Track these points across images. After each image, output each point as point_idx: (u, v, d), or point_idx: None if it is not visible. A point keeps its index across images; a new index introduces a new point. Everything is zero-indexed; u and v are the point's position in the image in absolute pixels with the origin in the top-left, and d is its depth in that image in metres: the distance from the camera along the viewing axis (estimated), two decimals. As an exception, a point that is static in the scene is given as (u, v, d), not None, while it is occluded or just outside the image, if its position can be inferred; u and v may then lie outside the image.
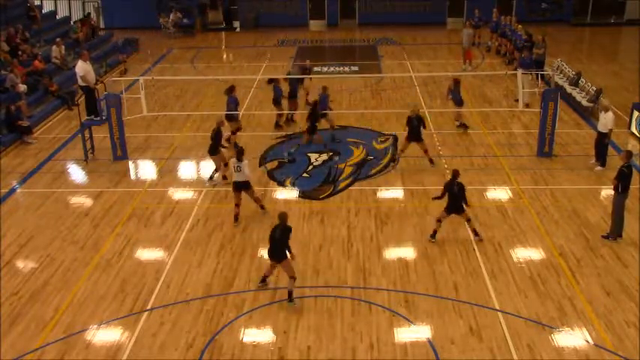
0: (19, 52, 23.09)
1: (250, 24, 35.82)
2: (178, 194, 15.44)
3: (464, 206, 12.80)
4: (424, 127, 16.25)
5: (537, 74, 21.00)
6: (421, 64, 27.02)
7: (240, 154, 13.50)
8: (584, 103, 20.08)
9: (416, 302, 11.17)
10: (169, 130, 19.58)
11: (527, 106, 19.23)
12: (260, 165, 16.88)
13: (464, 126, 18.78)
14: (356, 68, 26.53)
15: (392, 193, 15.35)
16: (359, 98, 22.43)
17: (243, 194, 13.80)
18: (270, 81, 19.53)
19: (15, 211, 14.84)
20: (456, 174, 12.85)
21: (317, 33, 35.21)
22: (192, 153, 17.83)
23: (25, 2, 28.38)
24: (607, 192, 14.76)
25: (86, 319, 10.93)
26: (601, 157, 16.15)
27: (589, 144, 17.23)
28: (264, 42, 32.49)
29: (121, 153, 17.26)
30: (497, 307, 10.97)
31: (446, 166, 16.47)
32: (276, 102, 19.18)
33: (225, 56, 31.19)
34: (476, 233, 12.99)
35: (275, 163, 17.00)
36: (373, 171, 16.41)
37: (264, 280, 11.64)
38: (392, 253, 12.73)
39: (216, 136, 15.42)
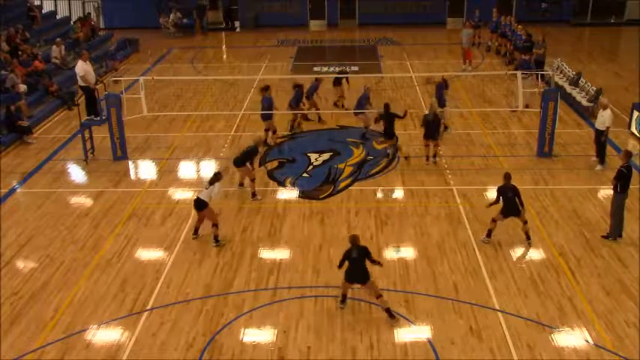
0: (19, 52, 23.08)
1: (250, 24, 35.84)
2: (178, 194, 15.44)
3: (520, 208, 12.68)
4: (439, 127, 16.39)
5: (537, 74, 21.01)
6: (421, 64, 27.03)
7: (213, 178, 12.79)
8: (584, 103, 20.08)
9: (416, 302, 11.17)
10: (169, 130, 19.59)
11: (527, 106, 19.23)
12: (260, 165, 16.88)
13: (445, 127, 18.38)
14: (356, 68, 26.51)
15: (392, 193, 15.35)
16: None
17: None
18: (297, 86, 19.17)
19: (15, 211, 14.84)
20: (507, 177, 12.81)
21: (317, 33, 35.22)
22: (192, 153, 17.84)
23: (25, 2, 28.40)
24: (607, 192, 14.75)
25: (86, 319, 10.92)
26: (600, 156, 16.18)
27: (589, 144, 17.24)
28: (264, 42, 32.51)
29: (120, 153, 17.26)
30: (497, 307, 10.97)
31: (446, 165, 16.49)
32: (297, 103, 19.09)
33: (225, 56, 31.22)
34: (528, 236, 12.88)
35: (275, 163, 17.01)
36: (373, 171, 16.42)
37: (343, 300, 11.01)
38: (392, 253, 12.73)
39: (249, 152, 14.90)
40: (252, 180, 15.03)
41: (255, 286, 11.72)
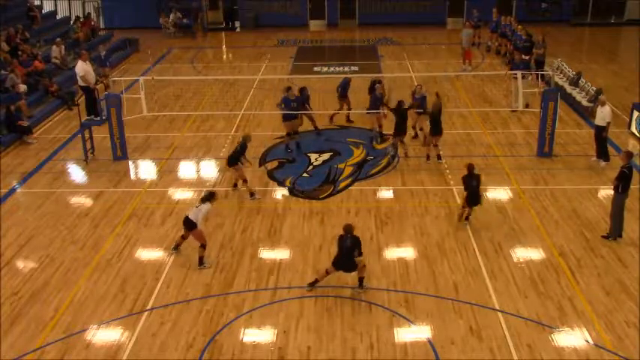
0: (19, 52, 23.08)
1: (250, 24, 35.84)
2: (178, 194, 15.44)
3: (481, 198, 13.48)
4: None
5: (537, 74, 21.01)
6: (421, 64, 27.03)
7: (205, 197, 12.28)
8: (584, 103, 20.08)
9: (416, 302, 11.17)
10: (169, 130, 19.59)
11: (527, 106, 19.23)
12: (260, 165, 16.89)
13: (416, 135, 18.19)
14: (356, 68, 26.53)
15: (392, 193, 15.35)
16: (359, 98, 22.40)
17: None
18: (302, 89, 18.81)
19: (15, 211, 14.84)
20: (470, 167, 13.38)
21: (317, 33, 35.23)
22: (192, 153, 17.84)
23: (25, 2, 28.39)
24: (607, 192, 14.76)
25: (86, 319, 10.92)
26: (602, 152, 16.24)
27: (589, 144, 17.25)
28: (264, 42, 32.51)
29: (121, 153, 17.26)
30: (497, 307, 10.97)
31: (446, 165, 16.49)
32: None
33: (225, 56, 31.22)
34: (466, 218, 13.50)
35: (275, 163, 17.01)
36: (373, 171, 16.41)
37: (313, 284, 11.47)
38: (392, 253, 12.73)
39: (240, 148, 14.85)
40: (245, 181, 14.98)
41: (255, 286, 11.72)
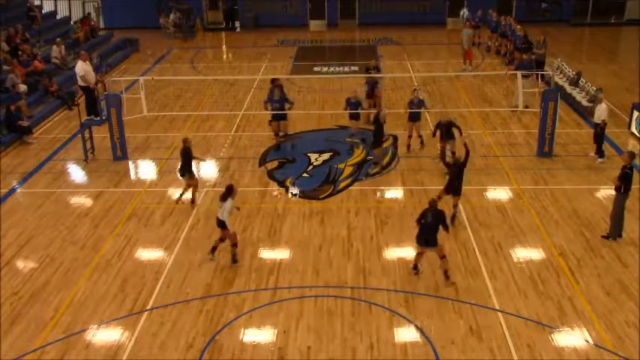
0: (19, 52, 23.08)
1: (250, 24, 35.84)
2: (178, 194, 15.42)
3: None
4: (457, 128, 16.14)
5: (537, 74, 21.01)
6: (421, 64, 27.03)
7: (225, 193, 12.09)
8: (584, 103, 20.08)
9: (416, 302, 11.17)
10: (169, 130, 19.59)
11: (527, 106, 19.22)
12: (260, 165, 16.88)
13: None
14: (356, 68, 26.52)
15: (392, 193, 15.36)
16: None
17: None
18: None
19: (15, 211, 14.84)
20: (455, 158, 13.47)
21: (317, 33, 35.24)
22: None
23: (25, 2, 28.38)
24: (607, 192, 14.77)
25: (86, 319, 10.92)
26: (598, 149, 16.35)
27: (589, 144, 17.25)
28: (264, 42, 32.51)
29: (120, 153, 17.26)
30: (497, 307, 10.97)
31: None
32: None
33: (225, 56, 31.22)
34: (453, 218, 13.44)
35: (275, 163, 17.01)
36: (373, 171, 16.40)
37: (415, 267, 11.89)
38: (392, 253, 12.73)
39: (187, 155, 14.33)
40: (195, 187, 14.64)
41: (255, 286, 11.72)
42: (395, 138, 18.23)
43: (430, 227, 11.33)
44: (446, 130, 16.00)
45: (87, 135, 17.44)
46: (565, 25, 34.36)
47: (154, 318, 10.91)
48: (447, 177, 13.88)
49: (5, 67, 21.28)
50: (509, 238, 13.12)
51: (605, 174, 15.70)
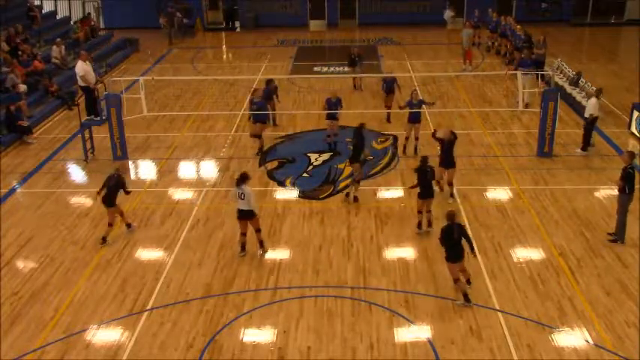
0: (19, 52, 23.08)
1: (250, 24, 35.85)
2: (178, 194, 15.44)
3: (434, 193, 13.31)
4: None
5: (537, 74, 21.01)
6: (421, 64, 27.03)
7: (240, 179, 12.08)
8: (584, 103, 20.04)
9: (416, 302, 11.17)
10: (169, 130, 19.59)
11: (527, 106, 19.23)
12: (260, 165, 16.89)
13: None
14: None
15: (392, 193, 15.36)
16: (359, 98, 22.44)
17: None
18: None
19: (15, 211, 14.84)
20: (424, 160, 13.16)
21: (317, 33, 35.24)
22: (192, 153, 17.83)
23: (25, 2, 28.38)
24: (607, 192, 14.78)
25: (86, 319, 10.92)
26: (584, 141, 16.76)
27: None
28: (264, 42, 32.51)
29: (121, 153, 17.26)
30: (497, 307, 10.97)
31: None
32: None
33: (225, 56, 31.22)
34: (429, 224, 13.25)
35: (275, 163, 17.01)
36: (373, 171, 16.41)
37: (468, 281, 11.35)
38: (392, 253, 12.73)
39: (117, 183, 13.08)
40: (122, 214, 13.42)
41: (255, 286, 11.72)
42: (395, 138, 18.23)
43: (459, 243, 10.90)
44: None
45: (87, 135, 17.44)
46: (565, 25, 34.36)
47: (153, 318, 10.91)
48: (416, 175, 13.23)
49: (5, 68, 21.28)
50: (509, 238, 13.12)
51: (605, 174, 15.71)
